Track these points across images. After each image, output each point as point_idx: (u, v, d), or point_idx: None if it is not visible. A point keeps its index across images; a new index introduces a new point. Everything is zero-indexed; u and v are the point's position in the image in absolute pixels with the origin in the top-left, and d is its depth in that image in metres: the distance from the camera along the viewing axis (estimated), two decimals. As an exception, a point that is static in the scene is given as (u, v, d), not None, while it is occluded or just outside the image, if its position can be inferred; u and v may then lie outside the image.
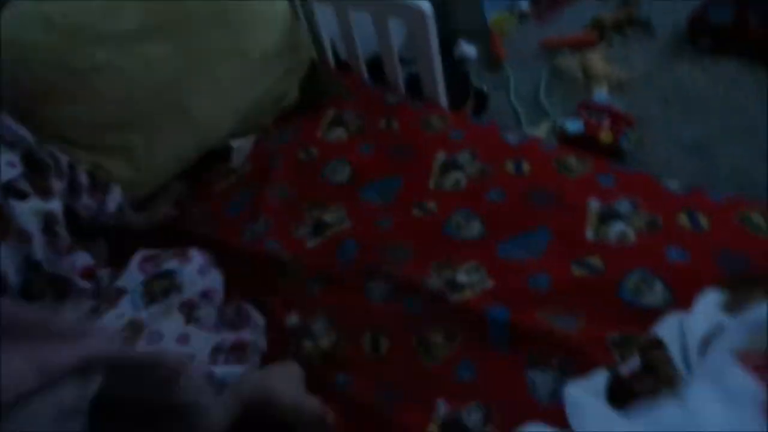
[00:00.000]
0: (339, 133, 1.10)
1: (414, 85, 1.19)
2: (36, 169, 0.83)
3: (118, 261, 0.87)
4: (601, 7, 1.80)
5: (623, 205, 0.84)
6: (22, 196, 0.79)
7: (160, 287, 0.83)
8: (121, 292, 0.83)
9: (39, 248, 0.79)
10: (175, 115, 1.06)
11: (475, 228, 0.87)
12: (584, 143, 1.34)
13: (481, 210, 0.89)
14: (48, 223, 0.81)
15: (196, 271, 0.86)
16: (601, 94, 1.49)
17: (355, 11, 1.14)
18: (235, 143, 1.15)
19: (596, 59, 1.60)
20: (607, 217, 0.83)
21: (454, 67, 1.53)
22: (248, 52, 1.11)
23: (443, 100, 1.15)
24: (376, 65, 1.23)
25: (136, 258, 0.87)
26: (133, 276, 0.86)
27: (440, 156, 0.99)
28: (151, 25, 1.03)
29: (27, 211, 0.79)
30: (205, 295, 0.86)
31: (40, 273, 0.79)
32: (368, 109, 1.13)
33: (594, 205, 0.85)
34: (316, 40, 1.26)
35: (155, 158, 1.07)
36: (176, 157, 1.10)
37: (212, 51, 1.07)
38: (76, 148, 1.01)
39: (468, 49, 1.57)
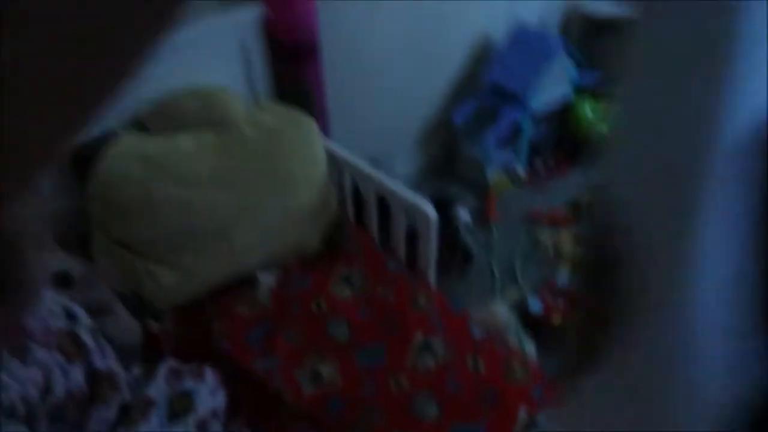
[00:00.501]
0: (345, 292, 1.38)
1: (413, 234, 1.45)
2: None
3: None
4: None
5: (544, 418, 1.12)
6: (73, 317, 0.99)
7: (180, 406, 1.07)
8: (151, 404, 1.07)
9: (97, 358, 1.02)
10: (221, 245, 1.33)
11: (433, 410, 1.14)
12: (541, 323, 1.64)
13: (441, 396, 1.16)
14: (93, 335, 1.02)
15: (209, 392, 1.11)
16: (563, 275, 1.79)
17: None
18: (262, 276, 1.42)
19: (566, 239, 1.91)
20: (531, 427, 1.11)
21: (447, 226, 1.83)
22: (289, 204, 1.39)
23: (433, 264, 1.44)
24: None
25: (163, 369, 1.11)
26: (160, 388, 1.09)
27: (419, 336, 1.27)
28: (220, 174, 1.31)
29: (82, 330, 0.98)
30: (214, 413, 1.11)
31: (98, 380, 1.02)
32: (372, 273, 1.41)
33: (522, 414, 1.13)
34: (342, 198, 1.56)
35: (197, 275, 1.33)
36: (213, 277, 1.36)
37: (261, 200, 1.35)
38: (133, 254, 1.29)
39: (463, 214, 1.87)
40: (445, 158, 2.31)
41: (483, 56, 2.20)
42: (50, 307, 0.94)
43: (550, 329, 1.62)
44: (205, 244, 1.31)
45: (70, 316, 0.96)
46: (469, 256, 1.85)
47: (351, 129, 1.76)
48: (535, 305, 1.67)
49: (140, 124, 1.35)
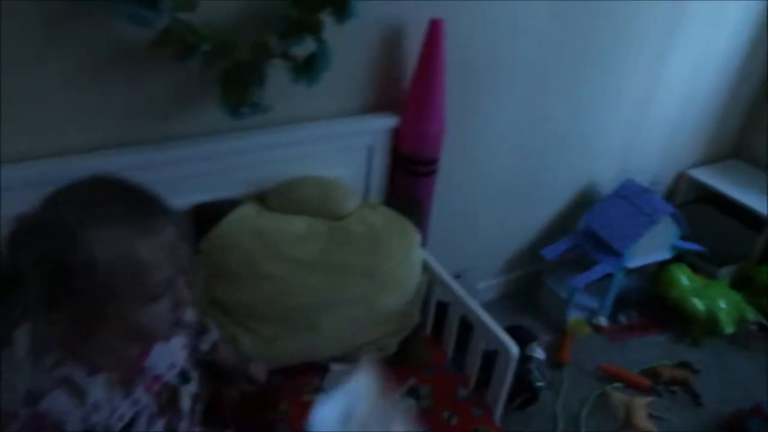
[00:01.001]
0: (410, 404, 1.38)
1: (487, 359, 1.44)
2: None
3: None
4: (670, 352, 2.05)
5: None
6: (187, 380, 1.04)
7: None
8: None
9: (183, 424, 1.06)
10: (306, 327, 1.36)
11: None
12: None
13: None
14: (193, 401, 1.06)
15: None
16: (631, 446, 1.70)
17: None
18: (333, 367, 1.45)
19: (640, 408, 1.82)
20: None
21: (520, 364, 1.80)
22: (375, 304, 1.42)
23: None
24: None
25: None
26: None
27: (476, 472, 1.24)
28: (322, 261, 1.37)
29: (186, 393, 1.00)
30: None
31: None
32: (439, 394, 1.40)
33: None
34: (425, 309, 1.58)
35: (275, 349, 1.36)
36: (291, 354, 1.39)
37: (353, 294, 1.39)
38: (223, 314, 1.35)
39: (538, 353, 1.84)
40: (526, 288, 2.30)
41: (584, 201, 2.24)
42: (173, 358, 0.98)
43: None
44: (292, 322, 1.36)
45: (184, 375, 1.00)
46: (536, 395, 1.80)
47: (443, 241, 1.81)
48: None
49: (261, 198, 1.45)
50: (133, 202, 0.80)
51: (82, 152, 1.21)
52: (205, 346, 1.12)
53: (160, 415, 0.94)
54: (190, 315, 1.04)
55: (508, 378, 1.34)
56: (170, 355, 0.97)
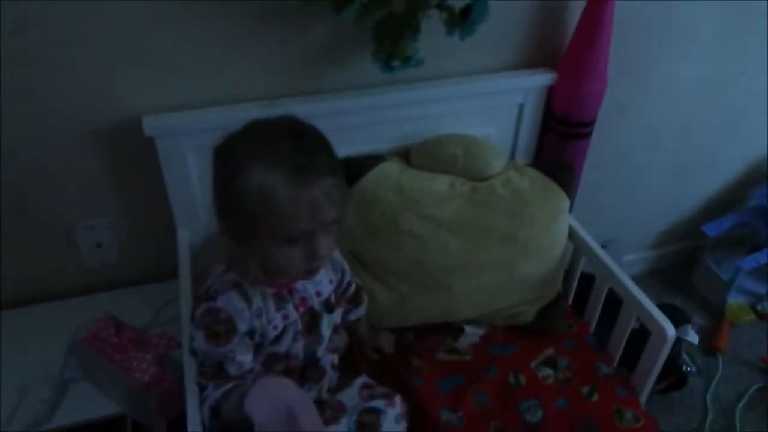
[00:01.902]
0: (547, 374, 1.32)
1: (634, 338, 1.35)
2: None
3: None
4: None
5: None
6: (330, 310, 1.10)
7: (368, 420, 1.12)
8: (342, 409, 1.13)
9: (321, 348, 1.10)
10: (441, 286, 1.36)
11: None
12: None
13: None
14: (332, 331, 1.12)
15: (394, 418, 1.13)
16: (794, 450, 1.52)
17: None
18: (468, 328, 1.43)
19: (809, 409, 1.62)
20: None
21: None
22: (515, 271, 1.37)
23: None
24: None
25: (359, 382, 1.17)
26: (353, 397, 1.15)
27: (616, 454, 1.17)
28: (460, 222, 1.34)
29: (327, 322, 1.08)
30: (394, 442, 1.13)
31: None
32: (580, 368, 1.33)
33: None
34: (568, 279, 1.50)
35: (411, 306, 1.38)
36: (424, 313, 1.40)
37: (492, 257, 1.35)
38: (362, 268, 1.37)
39: (691, 336, 1.69)
40: (680, 265, 2.11)
41: (758, 174, 1.98)
42: (320, 287, 1.07)
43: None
44: (428, 281, 1.35)
45: (328, 305, 1.09)
46: (684, 379, 1.66)
47: (590, 208, 1.70)
48: (751, 468, 1.45)
49: (406, 155, 1.44)
50: (300, 152, 0.85)
51: (239, 102, 1.26)
52: (350, 289, 1.20)
53: (303, 335, 1.04)
54: (338, 255, 1.14)
55: (660, 361, 1.24)
56: (318, 283, 1.06)
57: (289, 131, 0.87)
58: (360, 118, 1.34)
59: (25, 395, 1.17)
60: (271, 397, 0.87)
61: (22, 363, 1.24)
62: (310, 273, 0.97)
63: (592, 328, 1.45)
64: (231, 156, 0.86)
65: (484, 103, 1.43)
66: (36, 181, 1.26)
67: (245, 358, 0.95)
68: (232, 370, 0.93)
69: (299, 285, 1.02)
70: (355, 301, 1.24)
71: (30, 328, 1.33)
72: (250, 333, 0.96)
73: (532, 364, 1.35)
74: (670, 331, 1.21)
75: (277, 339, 1.00)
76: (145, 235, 1.42)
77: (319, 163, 0.85)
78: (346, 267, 1.18)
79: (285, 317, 1.00)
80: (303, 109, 1.26)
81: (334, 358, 1.17)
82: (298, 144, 0.85)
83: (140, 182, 1.33)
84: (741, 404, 1.67)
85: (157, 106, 1.22)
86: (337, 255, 1.13)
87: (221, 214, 0.90)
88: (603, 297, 1.40)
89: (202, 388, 0.95)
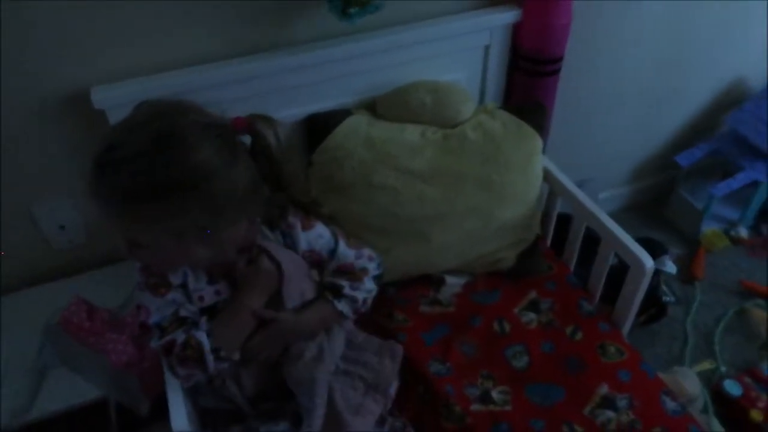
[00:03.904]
0: (531, 318, 1.33)
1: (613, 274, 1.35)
2: None
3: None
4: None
5: None
6: None
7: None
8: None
9: None
10: (419, 238, 1.33)
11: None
12: (734, 410, 1.45)
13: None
14: None
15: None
16: (772, 367, 1.56)
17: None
18: (450, 278, 1.42)
19: (786, 327, 1.66)
20: None
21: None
22: (492, 216, 1.36)
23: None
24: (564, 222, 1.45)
25: (343, 332, 1.16)
26: (337, 348, 1.14)
27: (603, 389, 1.18)
28: (436, 170, 1.31)
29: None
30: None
31: None
32: (562, 308, 1.34)
33: None
34: (546, 220, 1.49)
35: (390, 260, 1.34)
36: (404, 266, 1.38)
37: (468, 204, 1.33)
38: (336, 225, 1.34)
39: (669, 267, 1.71)
40: (655, 198, 2.12)
41: (730, 101, 1.98)
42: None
43: (746, 423, 1.43)
44: (405, 233, 1.33)
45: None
46: (664, 310, 1.69)
47: (563, 147, 1.68)
48: (733, 388, 1.48)
49: (373, 107, 1.39)
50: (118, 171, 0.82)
51: (191, 65, 1.20)
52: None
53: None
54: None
55: (640, 293, 1.25)
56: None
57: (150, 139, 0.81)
58: (322, 71, 1.28)
59: (2, 387, 1.14)
60: None
61: (-3, 355, 1.20)
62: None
63: (572, 267, 1.46)
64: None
65: (449, 47, 1.38)
66: (-12, 164, 1.19)
67: (192, 307, 0.96)
68: (188, 313, 0.95)
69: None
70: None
71: (3, 318, 1.28)
72: (184, 288, 0.97)
73: (516, 310, 1.35)
74: (648, 263, 1.21)
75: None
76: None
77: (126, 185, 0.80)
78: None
79: (217, 293, 0.99)
80: (259, 66, 1.21)
81: None
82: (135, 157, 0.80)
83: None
84: (719, 328, 1.70)
85: (107, 77, 1.15)
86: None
87: None
88: (581, 236, 1.40)
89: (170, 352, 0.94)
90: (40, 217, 1.30)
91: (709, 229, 1.95)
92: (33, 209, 1.29)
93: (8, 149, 1.19)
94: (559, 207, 1.48)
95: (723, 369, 1.59)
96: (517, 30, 1.40)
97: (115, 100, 1.12)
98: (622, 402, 1.16)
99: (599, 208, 1.35)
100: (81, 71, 1.14)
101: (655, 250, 1.69)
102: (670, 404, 1.16)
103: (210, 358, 0.91)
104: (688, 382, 1.48)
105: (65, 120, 1.19)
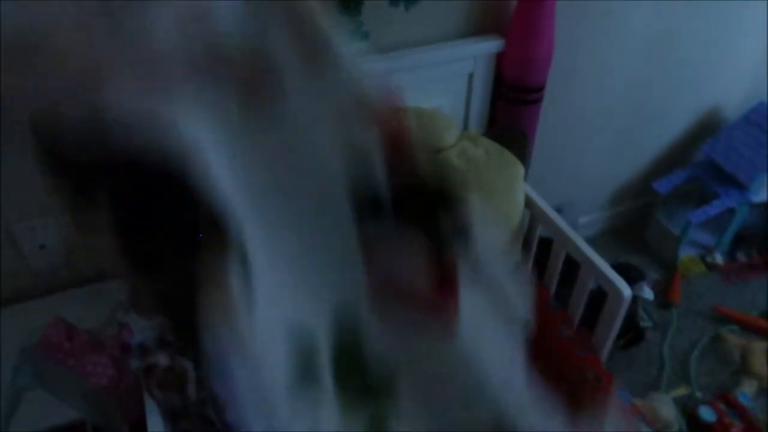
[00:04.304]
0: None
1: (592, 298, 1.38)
2: None
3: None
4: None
5: None
6: None
7: None
8: None
9: None
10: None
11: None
12: (708, 435, 1.48)
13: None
14: None
15: None
16: (745, 394, 1.59)
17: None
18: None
19: (758, 354, 1.69)
20: None
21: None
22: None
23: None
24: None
25: None
26: None
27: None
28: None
29: None
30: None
31: None
32: (541, 330, 1.35)
33: None
34: (527, 244, 1.52)
35: None
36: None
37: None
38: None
39: (647, 293, 1.74)
40: (632, 223, 2.16)
41: (705, 128, 2.03)
42: None
43: (720, 445, 1.46)
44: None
45: None
46: (641, 335, 1.71)
47: (543, 172, 1.71)
48: (708, 414, 1.51)
49: (358, 131, 1.41)
50: None
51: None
52: None
53: None
54: None
55: (618, 320, 1.27)
56: None
57: None
58: (308, 96, 1.30)
59: (-24, 408, 1.12)
60: None
61: (-29, 375, 1.18)
62: None
63: (553, 290, 1.48)
64: None
65: (433, 74, 1.40)
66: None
67: None
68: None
69: None
70: None
71: (-20, 338, 1.26)
72: None
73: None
74: (626, 292, 1.23)
75: None
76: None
77: None
78: None
79: None
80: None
81: None
82: None
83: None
84: (695, 354, 1.73)
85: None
86: None
87: None
88: (561, 261, 1.42)
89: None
90: (20, 236, 1.29)
91: (685, 255, 1.99)
92: (12, 228, 1.28)
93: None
94: (540, 231, 1.50)
95: (698, 394, 1.62)
96: (500, 59, 1.43)
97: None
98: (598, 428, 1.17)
99: (578, 235, 1.37)
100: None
101: (633, 275, 1.72)
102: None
103: (192, 387, 0.91)
104: (664, 408, 1.50)
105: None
